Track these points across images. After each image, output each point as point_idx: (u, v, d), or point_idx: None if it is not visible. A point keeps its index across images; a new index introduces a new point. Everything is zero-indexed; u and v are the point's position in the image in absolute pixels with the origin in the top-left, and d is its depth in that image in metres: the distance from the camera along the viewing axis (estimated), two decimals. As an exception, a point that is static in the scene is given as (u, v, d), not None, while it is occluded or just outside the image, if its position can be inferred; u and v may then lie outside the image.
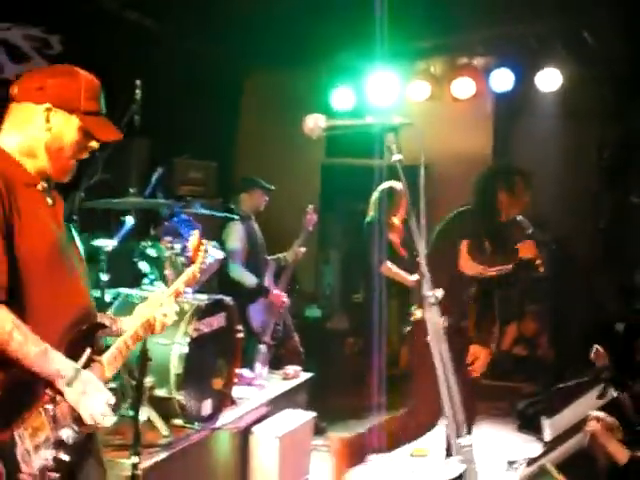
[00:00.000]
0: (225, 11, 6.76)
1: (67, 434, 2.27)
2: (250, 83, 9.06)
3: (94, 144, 2.51)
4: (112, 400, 2.35)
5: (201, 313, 4.51)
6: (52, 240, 2.40)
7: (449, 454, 4.53)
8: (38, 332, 2.23)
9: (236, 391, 5.14)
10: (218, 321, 4.72)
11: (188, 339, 4.37)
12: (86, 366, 2.35)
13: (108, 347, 2.50)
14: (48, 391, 2.26)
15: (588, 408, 5.28)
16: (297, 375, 5.96)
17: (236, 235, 6.20)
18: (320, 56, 8.05)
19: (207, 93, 7.67)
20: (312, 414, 5.49)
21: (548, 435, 5.62)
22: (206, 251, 2.98)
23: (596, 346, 6.00)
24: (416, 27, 6.96)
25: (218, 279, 5.96)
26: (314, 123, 2.24)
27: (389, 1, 6.08)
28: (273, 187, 6.47)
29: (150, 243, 4.80)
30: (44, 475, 2.22)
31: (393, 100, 8.17)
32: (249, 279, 6.17)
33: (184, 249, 4.77)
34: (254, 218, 6.47)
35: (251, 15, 6.95)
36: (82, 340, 2.39)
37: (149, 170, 5.52)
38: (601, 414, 4.76)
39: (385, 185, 6.14)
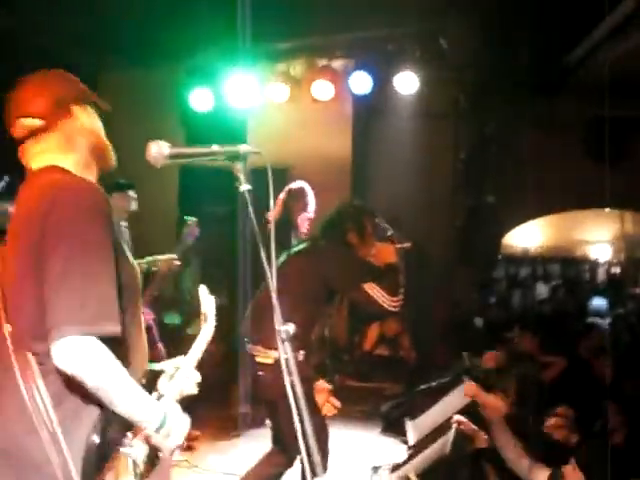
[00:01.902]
0: (81, 7, 6.49)
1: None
2: (107, 80, 8.76)
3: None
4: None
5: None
6: (134, 273, 2.26)
7: None
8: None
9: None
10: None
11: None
12: None
13: None
14: (129, 434, 2.08)
15: (451, 408, 5.38)
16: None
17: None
18: (179, 56, 7.87)
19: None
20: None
21: (412, 438, 5.65)
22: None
23: (489, 352, 6.13)
24: (276, 29, 6.93)
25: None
26: (157, 151, 2.12)
27: (249, 2, 6.00)
28: (129, 183, 6.18)
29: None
30: None
31: (252, 102, 8.08)
32: None
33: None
34: (125, 221, 6.17)
35: (108, 11, 6.71)
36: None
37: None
38: (462, 418, 4.86)
39: (294, 185, 5.78)
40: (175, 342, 6.44)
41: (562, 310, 10.61)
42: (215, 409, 6.67)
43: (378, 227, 4.74)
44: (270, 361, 4.21)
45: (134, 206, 6.19)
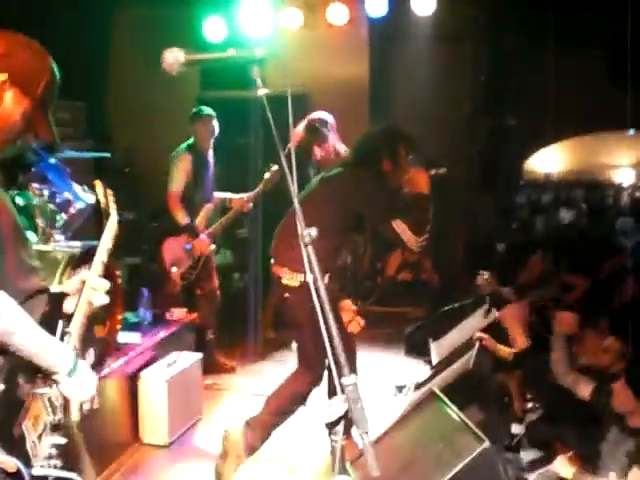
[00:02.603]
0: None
1: (59, 417, 2.14)
2: (121, 17, 8.70)
3: (28, 136, 2.28)
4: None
5: (76, 261, 4.32)
6: (11, 215, 2.19)
7: (332, 394, 4.58)
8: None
9: (121, 337, 5.02)
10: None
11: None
12: (61, 340, 2.19)
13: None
14: (41, 376, 2.09)
15: (473, 328, 5.44)
16: (182, 317, 5.87)
17: (180, 169, 6.06)
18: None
19: (74, 30, 7.28)
20: (199, 355, 5.46)
21: (435, 358, 5.73)
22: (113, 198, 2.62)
23: (482, 273, 6.12)
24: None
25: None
26: (173, 58, 2.11)
27: None
28: (209, 112, 6.22)
29: (17, 191, 4.57)
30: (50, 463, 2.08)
31: (266, 29, 7.98)
32: (181, 217, 6.05)
33: (53, 195, 4.56)
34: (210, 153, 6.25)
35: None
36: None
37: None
38: (485, 335, 4.92)
39: (314, 115, 5.70)
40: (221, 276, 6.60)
41: (585, 233, 10.57)
42: (243, 335, 6.78)
43: (413, 153, 4.68)
44: (296, 283, 4.27)
45: (216, 131, 6.24)
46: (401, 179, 4.65)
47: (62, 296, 2.30)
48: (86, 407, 2.21)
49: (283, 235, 4.45)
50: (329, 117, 5.36)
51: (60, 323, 2.22)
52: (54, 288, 2.33)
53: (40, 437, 2.07)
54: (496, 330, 5.08)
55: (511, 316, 4.93)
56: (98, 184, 2.58)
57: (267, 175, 6.16)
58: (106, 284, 2.35)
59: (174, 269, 6.04)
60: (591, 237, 10.06)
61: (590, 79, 9.11)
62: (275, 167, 6.11)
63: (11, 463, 1.94)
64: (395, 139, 4.64)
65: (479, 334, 4.97)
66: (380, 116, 8.61)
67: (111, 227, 2.53)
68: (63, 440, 2.14)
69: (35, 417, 2.07)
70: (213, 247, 6.26)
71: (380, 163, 4.51)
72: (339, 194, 4.39)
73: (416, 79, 8.67)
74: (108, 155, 6.08)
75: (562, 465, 3.48)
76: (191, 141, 6.14)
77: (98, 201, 2.57)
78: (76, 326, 2.26)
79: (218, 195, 6.36)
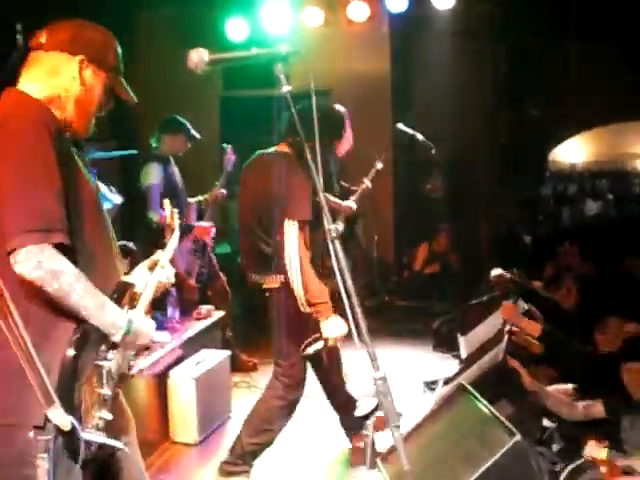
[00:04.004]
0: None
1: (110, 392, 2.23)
2: (143, 19, 8.75)
3: (111, 103, 2.48)
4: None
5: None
6: (94, 195, 2.36)
7: None
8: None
9: (150, 336, 5.05)
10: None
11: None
12: None
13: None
14: (102, 347, 2.20)
15: (501, 322, 5.41)
16: (210, 314, 5.90)
17: (154, 174, 5.92)
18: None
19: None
20: (227, 352, 5.48)
21: (464, 352, 5.70)
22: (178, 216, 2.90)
23: (495, 271, 6.10)
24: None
25: (141, 225, 5.83)
26: (198, 57, 2.15)
27: None
28: (199, 136, 6.20)
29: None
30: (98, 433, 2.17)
31: (287, 28, 8.01)
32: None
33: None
34: (173, 161, 6.19)
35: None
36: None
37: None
38: (515, 327, 4.89)
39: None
40: (227, 270, 6.56)
41: (612, 224, 10.50)
42: (262, 330, 6.76)
43: None
44: (277, 284, 4.17)
45: (182, 153, 6.21)
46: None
47: (129, 286, 2.41)
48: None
49: (248, 246, 4.33)
50: (345, 112, 5.38)
51: (125, 309, 2.31)
52: (126, 277, 2.46)
53: (93, 407, 2.16)
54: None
55: (508, 314, 4.91)
56: (167, 203, 2.90)
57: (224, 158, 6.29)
58: (172, 271, 2.65)
59: (191, 280, 6.06)
60: (617, 227, 10.00)
61: (612, 67, 9.05)
62: (227, 146, 6.24)
63: (66, 422, 2.01)
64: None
65: (509, 327, 4.95)
66: (404, 111, 8.61)
67: (174, 240, 2.81)
68: (109, 415, 2.20)
69: (92, 387, 2.16)
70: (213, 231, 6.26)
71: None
72: None
73: (438, 73, 8.66)
74: (135, 152, 6.08)
75: (593, 448, 3.49)
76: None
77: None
78: (144, 302, 2.43)
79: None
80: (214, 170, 6.80)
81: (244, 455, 4.32)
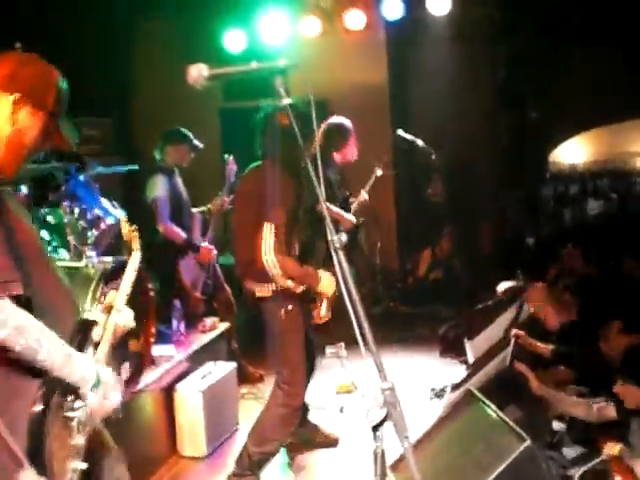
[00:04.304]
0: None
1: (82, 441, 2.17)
2: (141, 32, 8.78)
3: (46, 147, 2.35)
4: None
5: (108, 276, 4.35)
6: (31, 234, 2.24)
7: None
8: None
9: (155, 350, 5.05)
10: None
11: (98, 305, 4.23)
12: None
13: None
14: (69, 398, 2.12)
15: (507, 326, 5.41)
16: (215, 326, 5.89)
17: (160, 186, 5.91)
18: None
19: (95, 44, 7.35)
20: (233, 364, 5.47)
21: (471, 357, 5.69)
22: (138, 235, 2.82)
23: (501, 286, 6.12)
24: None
25: (148, 237, 5.81)
26: (197, 73, 2.14)
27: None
28: (201, 145, 6.20)
29: (48, 210, 4.62)
30: None
31: (285, 39, 8.05)
32: (178, 235, 5.97)
33: (83, 212, 4.60)
34: (177, 172, 6.17)
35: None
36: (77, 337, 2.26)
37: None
38: (521, 332, 4.90)
39: (332, 120, 5.68)
40: (231, 281, 6.54)
41: (614, 223, 10.48)
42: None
43: None
44: (268, 294, 4.25)
45: (186, 163, 6.21)
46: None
47: (92, 324, 2.36)
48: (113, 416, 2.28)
49: (242, 253, 4.41)
50: (346, 122, 5.39)
51: (90, 350, 2.27)
52: (86, 314, 2.41)
53: (65, 460, 2.10)
54: (532, 327, 5.06)
55: (536, 297, 4.97)
56: (123, 220, 2.82)
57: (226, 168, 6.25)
58: (131, 314, 2.52)
59: (197, 293, 6.06)
60: (619, 227, 9.98)
61: (609, 69, 9.05)
62: (228, 156, 6.23)
63: None
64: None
65: (515, 331, 4.96)
66: (403, 118, 8.62)
67: (134, 261, 2.73)
68: (84, 465, 2.16)
69: (63, 440, 2.10)
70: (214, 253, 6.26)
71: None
72: None
73: (435, 78, 8.66)
74: (136, 167, 6.09)
75: (610, 447, 3.50)
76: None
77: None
78: (104, 351, 2.37)
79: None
80: (216, 181, 6.80)
81: (251, 465, 4.33)
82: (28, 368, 2.02)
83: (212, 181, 7.14)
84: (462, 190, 8.91)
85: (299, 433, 4.86)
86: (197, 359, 5.36)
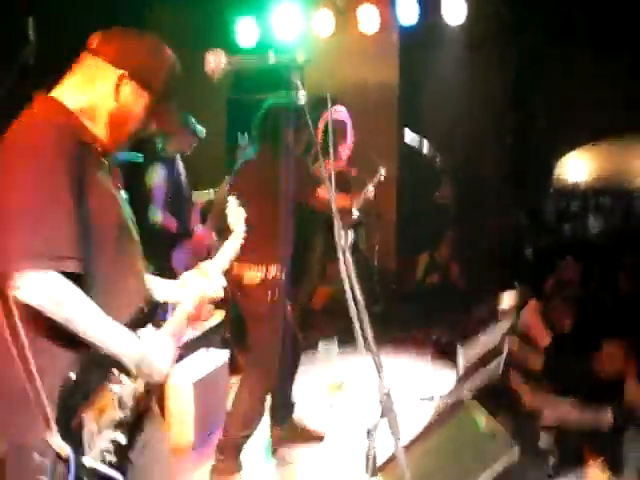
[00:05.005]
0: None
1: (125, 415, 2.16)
2: (151, 20, 8.76)
3: (152, 128, 2.34)
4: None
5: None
6: (120, 213, 2.23)
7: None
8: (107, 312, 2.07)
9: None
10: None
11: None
12: None
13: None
14: (115, 371, 2.11)
15: (501, 335, 5.41)
16: (210, 314, 5.87)
17: (159, 174, 5.92)
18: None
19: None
20: (226, 352, 5.47)
21: (463, 363, 5.69)
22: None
23: (502, 294, 6.13)
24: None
25: (147, 225, 5.81)
26: (216, 60, 2.13)
27: None
28: (204, 132, 6.16)
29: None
30: (104, 457, 2.10)
31: (297, 34, 8.04)
32: (172, 224, 5.97)
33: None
34: (180, 160, 6.17)
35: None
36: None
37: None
38: (515, 340, 4.91)
39: (334, 115, 5.67)
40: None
41: (614, 241, 10.47)
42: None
43: None
44: (257, 281, 4.31)
45: (189, 151, 6.19)
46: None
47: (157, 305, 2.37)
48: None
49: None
50: (345, 116, 5.38)
51: (149, 327, 2.26)
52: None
53: (100, 430, 2.09)
54: (527, 338, 5.06)
55: (531, 314, 4.97)
56: (232, 200, 2.72)
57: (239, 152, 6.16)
58: (222, 282, 2.49)
59: None
60: (619, 244, 9.98)
61: (617, 82, 9.02)
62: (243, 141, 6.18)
63: (65, 449, 1.98)
64: None
65: (510, 340, 4.96)
66: (411, 123, 8.62)
67: (235, 240, 2.65)
68: (123, 438, 2.15)
69: (100, 409, 2.09)
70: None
71: None
72: None
73: (446, 84, 8.66)
74: (140, 157, 6.08)
75: (595, 474, 3.48)
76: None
77: None
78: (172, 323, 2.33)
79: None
80: (220, 171, 6.79)
81: (229, 450, 4.38)
82: (71, 337, 2.02)
83: (217, 171, 7.12)
84: (467, 195, 8.92)
85: (284, 428, 4.88)
86: (191, 347, 5.35)
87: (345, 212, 5.20)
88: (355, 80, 8.48)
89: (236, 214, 2.68)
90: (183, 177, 6.16)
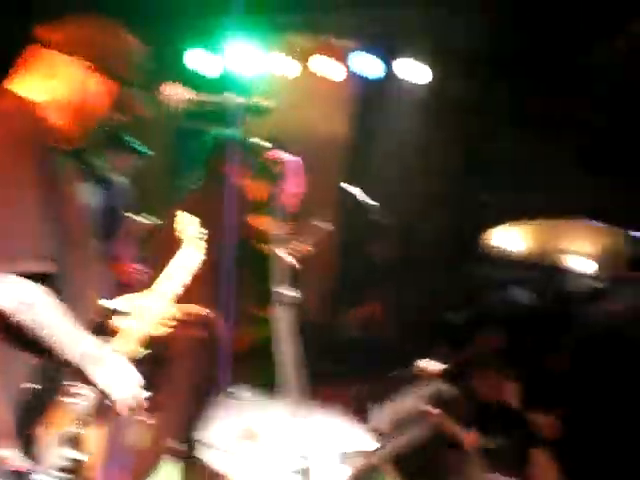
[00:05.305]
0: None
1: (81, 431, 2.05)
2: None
3: (118, 116, 2.30)
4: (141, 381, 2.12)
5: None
6: (84, 214, 2.22)
7: None
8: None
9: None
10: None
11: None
12: None
13: None
14: (73, 383, 2.02)
15: (419, 400, 5.36)
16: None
17: (91, 196, 5.74)
18: (174, 16, 7.74)
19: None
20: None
21: (379, 424, 5.63)
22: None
23: (419, 364, 6.12)
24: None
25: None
26: (172, 94, 2.05)
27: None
28: (147, 152, 6.02)
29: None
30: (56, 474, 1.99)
31: (252, 72, 7.98)
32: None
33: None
34: (120, 181, 5.98)
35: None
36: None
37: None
38: (435, 410, 4.85)
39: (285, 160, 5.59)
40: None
41: (539, 318, 10.60)
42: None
43: None
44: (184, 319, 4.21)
45: (128, 171, 6.03)
46: None
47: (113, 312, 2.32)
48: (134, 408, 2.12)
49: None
50: (299, 163, 5.35)
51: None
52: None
53: (54, 445, 2.01)
54: (452, 407, 5.02)
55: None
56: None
57: None
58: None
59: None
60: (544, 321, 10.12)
61: (564, 164, 9.19)
62: None
63: (24, 464, 1.91)
64: None
65: (427, 408, 4.88)
66: (357, 175, 8.61)
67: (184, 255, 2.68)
68: (77, 454, 2.05)
69: (54, 424, 2.00)
70: None
71: None
72: None
73: (398, 144, 8.72)
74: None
75: None
76: None
77: None
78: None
79: None
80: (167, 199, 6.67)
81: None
82: (28, 342, 1.94)
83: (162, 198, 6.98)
84: (405, 254, 8.95)
85: (188, 470, 4.76)
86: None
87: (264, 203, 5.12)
88: (305, 125, 8.47)
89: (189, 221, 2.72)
90: (121, 199, 5.96)
